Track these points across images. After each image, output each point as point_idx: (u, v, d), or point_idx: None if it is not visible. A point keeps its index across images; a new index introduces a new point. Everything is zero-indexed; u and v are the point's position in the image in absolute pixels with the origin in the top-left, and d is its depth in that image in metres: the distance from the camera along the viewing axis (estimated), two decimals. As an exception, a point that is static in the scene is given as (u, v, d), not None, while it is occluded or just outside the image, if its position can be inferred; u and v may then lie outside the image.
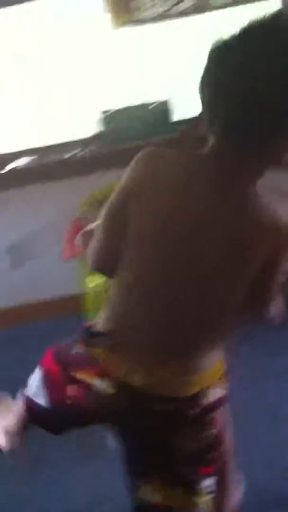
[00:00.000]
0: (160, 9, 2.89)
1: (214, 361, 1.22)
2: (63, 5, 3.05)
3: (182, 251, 1.11)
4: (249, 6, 2.83)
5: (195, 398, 1.18)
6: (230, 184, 1.09)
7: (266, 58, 0.99)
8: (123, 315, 1.20)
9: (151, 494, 1.21)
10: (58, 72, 3.18)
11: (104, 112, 3.10)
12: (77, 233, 2.82)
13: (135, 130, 3.08)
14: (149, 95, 3.10)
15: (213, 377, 1.21)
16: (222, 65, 1.05)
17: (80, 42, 3.12)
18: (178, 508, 1.21)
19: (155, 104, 3.07)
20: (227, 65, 1.04)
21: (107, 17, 2.92)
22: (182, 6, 2.87)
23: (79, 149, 3.13)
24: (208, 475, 1.24)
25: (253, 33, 1.03)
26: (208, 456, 1.22)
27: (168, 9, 2.89)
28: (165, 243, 1.13)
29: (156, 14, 2.90)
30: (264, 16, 1.03)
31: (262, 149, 1.06)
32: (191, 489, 1.21)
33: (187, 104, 3.13)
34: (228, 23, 3.03)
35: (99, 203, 2.98)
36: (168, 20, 2.91)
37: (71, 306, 2.88)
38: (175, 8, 2.87)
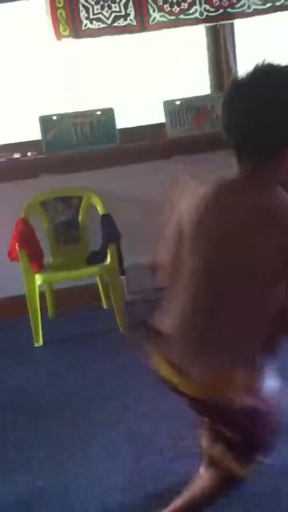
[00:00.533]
0: (102, 24, 3.04)
1: (241, 374, 1.31)
2: (7, 15, 3.14)
3: (212, 252, 1.30)
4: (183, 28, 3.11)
5: (216, 400, 1.32)
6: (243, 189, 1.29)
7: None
8: (172, 317, 1.37)
9: (212, 449, 1.46)
10: (1, 79, 3.26)
11: (49, 117, 3.18)
12: (20, 234, 2.89)
13: (78, 137, 3.19)
14: (93, 103, 3.21)
15: (235, 387, 1.31)
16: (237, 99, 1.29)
17: (24, 51, 3.21)
18: (225, 466, 1.43)
19: (99, 112, 3.19)
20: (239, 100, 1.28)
21: (51, 28, 3.02)
22: (123, 23, 3.04)
23: (23, 152, 3.18)
24: (259, 454, 1.42)
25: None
26: (251, 445, 1.39)
27: (110, 24, 3.05)
28: (196, 246, 1.32)
29: (98, 27, 3.05)
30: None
31: (267, 163, 1.27)
32: (241, 460, 1.40)
33: (129, 113, 3.29)
34: (164, 41, 3.22)
35: (42, 205, 3.07)
36: (109, 35, 3.06)
37: (21, 307, 2.93)
38: (116, 23, 3.04)
